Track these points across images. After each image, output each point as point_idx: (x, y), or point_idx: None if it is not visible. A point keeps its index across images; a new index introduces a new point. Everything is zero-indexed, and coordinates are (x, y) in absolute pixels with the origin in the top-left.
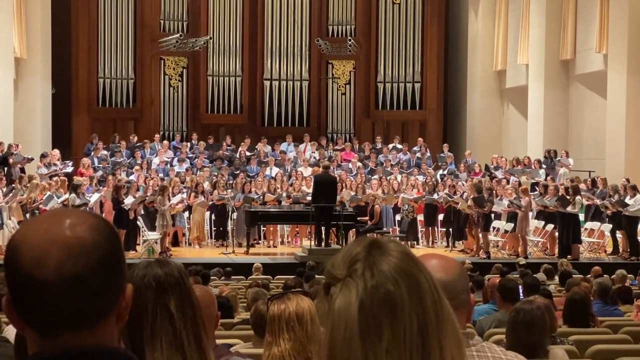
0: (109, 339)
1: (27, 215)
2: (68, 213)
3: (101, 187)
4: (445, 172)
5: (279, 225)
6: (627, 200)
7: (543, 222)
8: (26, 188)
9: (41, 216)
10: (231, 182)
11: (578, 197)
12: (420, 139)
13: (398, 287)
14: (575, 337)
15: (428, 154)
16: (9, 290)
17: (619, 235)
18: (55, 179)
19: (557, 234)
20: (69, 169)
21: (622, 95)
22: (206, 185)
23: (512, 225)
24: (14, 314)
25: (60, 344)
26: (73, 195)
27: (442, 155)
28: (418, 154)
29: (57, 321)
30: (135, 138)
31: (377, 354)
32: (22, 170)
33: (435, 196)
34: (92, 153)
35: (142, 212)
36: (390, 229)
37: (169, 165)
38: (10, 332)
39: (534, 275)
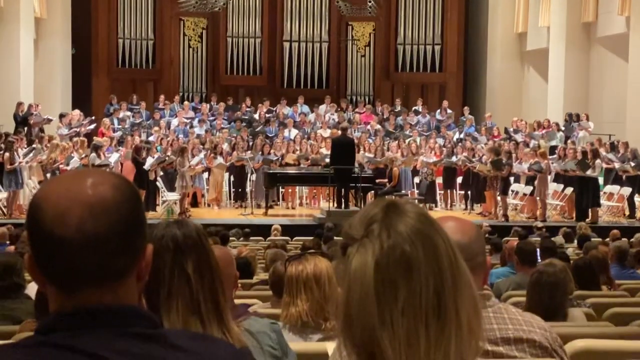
0: (129, 297)
1: (48, 175)
2: (90, 172)
3: (120, 148)
4: (461, 135)
5: (297, 187)
6: None
7: (562, 186)
8: (47, 148)
9: (64, 175)
10: (250, 143)
11: (598, 161)
12: (445, 102)
13: (414, 248)
14: (592, 299)
15: (452, 117)
16: (31, 247)
17: (638, 199)
18: (75, 139)
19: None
20: (92, 126)
21: None
22: (225, 146)
23: (531, 188)
24: (36, 270)
25: (80, 301)
26: (93, 154)
27: (463, 118)
28: (438, 117)
29: (78, 279)
30: (162, 100)
31: (393, 314)
32: (42, 130)
33: (454, 159)
34: (113, 114)
35: (162, 174)
36: (409, 192)
37: (188, 127)
38: (31, 289)
39: (552, 238)
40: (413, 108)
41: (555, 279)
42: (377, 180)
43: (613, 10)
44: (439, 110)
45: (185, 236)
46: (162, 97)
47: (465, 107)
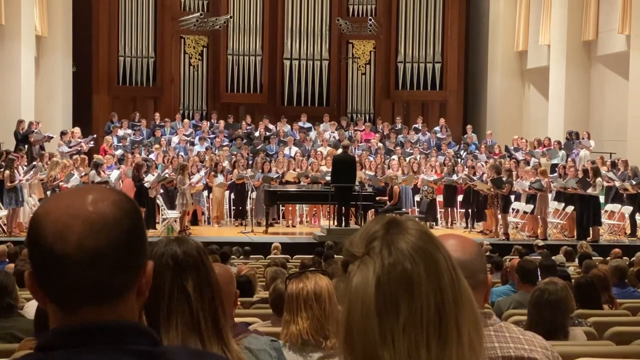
0: (129, 314)
1: (48, 193)
2: (91, 189)
3: (121, 166)
4: (466, 151)
5: (297, 205)
6: None
7: (563, 204)
8: (47, 166)
9: (64, 192)
10: (251, 161)
11: (598, 179)
12: (442, 120)
13: (415, 265)
14: (594, 319)
15: (450, 135)
16: (32, 264)
17: (639, 217)
18: (75, 157)
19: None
20: (91, 144)
21: None
22: (226, 164)
23: (532, 206)
24: (36, 288)
25: (81, 318)
26: (93, 171)
27: (465, 136)
28: (439, 134)
29: (78, 295)
30: (158, 118)
31: (394, 332)
32: (42, 147)
33: (454, 177)
34: (112, 132)
35: (162, 191)
36: (409, 210)
37: (188, 144)
38: (30, 308)
39: (553, 257)
40: (413, 126)
41: (556, 297)
42: (377, 198)
43: (613, 29)
44: (439, 128)
45: (185, 254)
46: (157, 114)
47: (469, 126)
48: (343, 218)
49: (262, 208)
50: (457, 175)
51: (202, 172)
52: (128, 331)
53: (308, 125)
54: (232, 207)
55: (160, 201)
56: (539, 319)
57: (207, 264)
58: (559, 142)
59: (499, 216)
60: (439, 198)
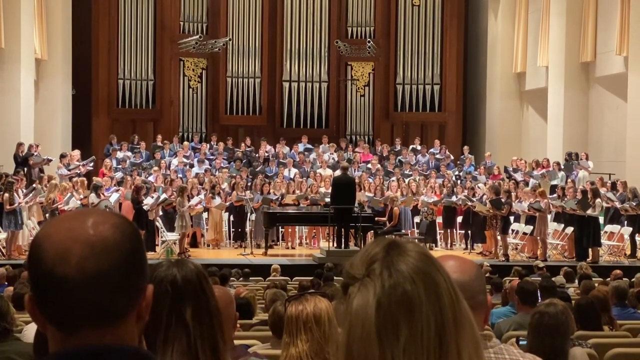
0: (129, 337)
1: (47, 216)
2: (91, 212)
3: (120, 188)
4: (460, 173)
5: (297, 227)
6: None
7: (562, 225)
8: (46, 188)
9: (65, 215)
10: (250, 183)
11: (598, 200)
12: (437, 141)
13: (416, 287)
14: (594, 340)
15: (451, 156)
16: (32, 287)
17: (638, 238)
18: (75, 179)
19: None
20: (91, 166)
21: None
22: (225, 186)
23: (531, 227)
24: (36, 311)
25: (80, 341)
26: (93, 194)
27: (462, 157)
28: (438, 156)
29: (78, 318)
30: (159, 138)
31: (394, 354)
32: (42, 170)
33: (454, 198)
34: (111, 154)
35: (161, 213)
36: (409, 231)
37: (187, 167)
38: (30, 331)
39: (553, 278)
40: (410, 146)
41: (556, 321)
42: (377, 219)
43: (611, 50)
44: (438, 149)
45: (184, 280)
46: (159, 136)
47: (465, 147)
48: (342, 240)
49: (262, 230)
50: (457, 197)
51: (202, 195)
52: (128, 355)
53: (309, 147)
54: (232, 229)
55: (159, 223)
56: (538, 344)
57: (207, 290)
58: (558, 163)
59: (499, 237)
60: (439, 219)
